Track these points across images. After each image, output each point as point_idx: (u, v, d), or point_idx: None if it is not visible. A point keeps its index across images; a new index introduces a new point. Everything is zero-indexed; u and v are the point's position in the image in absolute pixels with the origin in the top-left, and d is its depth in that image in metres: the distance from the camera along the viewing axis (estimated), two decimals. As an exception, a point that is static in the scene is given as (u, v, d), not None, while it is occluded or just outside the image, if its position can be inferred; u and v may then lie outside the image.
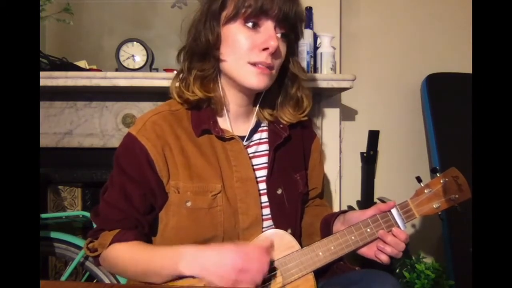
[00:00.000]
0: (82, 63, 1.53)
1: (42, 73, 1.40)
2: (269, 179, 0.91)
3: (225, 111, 0.89)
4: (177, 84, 0.89)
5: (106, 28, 1.74)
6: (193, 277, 0.77)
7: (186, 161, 0.85)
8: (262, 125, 0.95)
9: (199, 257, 0.77)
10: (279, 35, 0.83)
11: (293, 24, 0.85)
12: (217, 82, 0.88)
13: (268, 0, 0.79)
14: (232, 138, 0.88)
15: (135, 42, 1.54)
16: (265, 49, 0.81)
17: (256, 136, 0.93)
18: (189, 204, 0.84)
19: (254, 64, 0.82)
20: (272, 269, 0.84)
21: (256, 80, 0.83)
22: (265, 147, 0.93)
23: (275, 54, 0.82)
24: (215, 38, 0.83)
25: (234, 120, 0.91)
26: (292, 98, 0.94)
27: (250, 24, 0.81)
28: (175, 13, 1.63)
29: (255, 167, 0.90)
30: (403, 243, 0.86)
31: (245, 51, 0.81)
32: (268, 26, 0.81)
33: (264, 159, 0.92)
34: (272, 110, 0.94)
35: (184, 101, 0.88)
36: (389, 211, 0.89)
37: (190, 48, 0.87)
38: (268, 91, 0.90)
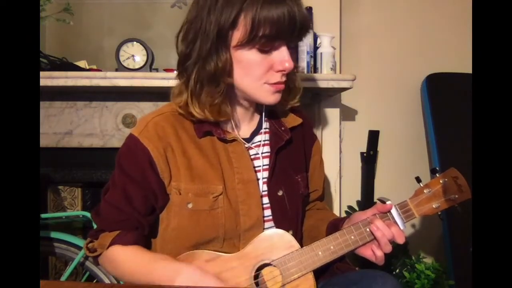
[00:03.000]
0: (82, 63, 1.53)
1: (42, 73, 1.40)
2: (270, 181, 0.91)
3: (231, 115, 0.89)
4: (183, 98, 0.84)
5: (106, 28, 1.74)
6: None
7: (188, 162, 0.85)
8: (264, 127, 0.95)
9: (198, 280, 0.77)
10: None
11: (301, 38, 0.85)
12: (226, 99, 0.85)
13: (283, 27, 0.77)
14: (234, 140, 0.88)
15: (135, 42, 1.53)
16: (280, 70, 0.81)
17: (258, 138, 0.93)
18: (190, 205, 0.84)
19: (270, 83, 0.82)
20: (272, 269, 0.84)
21: (273, 98, 0.84)
22: (266, 149, 0.93)
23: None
24: (225, 64, 0.80)
25: (239, 123, 0.91)
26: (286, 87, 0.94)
27: (264, 49, 0.80)
28: (175, 13, 1.63)
29: (256, 168, 0.90)
30: (392, 233, 0.85)
31: (260, 75, 0.81)
32: (282, 49, 0.81)
33: (266, 161, 0.92)
34: None
35: (188, 114, 0.85)
36: (389, 211, 0.89)
37: (197, 72, 0.81)
38: None
